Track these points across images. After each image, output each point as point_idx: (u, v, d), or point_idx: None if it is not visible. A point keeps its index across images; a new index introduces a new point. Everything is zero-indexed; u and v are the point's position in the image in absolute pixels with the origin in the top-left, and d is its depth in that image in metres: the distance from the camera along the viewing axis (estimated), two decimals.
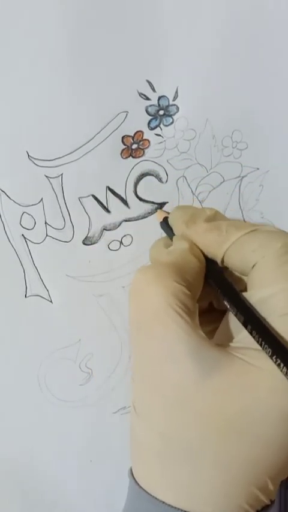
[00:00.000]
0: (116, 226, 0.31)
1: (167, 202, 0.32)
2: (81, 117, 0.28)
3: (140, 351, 0.23)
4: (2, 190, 0.28)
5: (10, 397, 0.32)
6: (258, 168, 0.32)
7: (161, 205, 0.32)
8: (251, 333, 0.22)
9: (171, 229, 0.28)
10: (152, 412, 0.23)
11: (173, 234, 0.27)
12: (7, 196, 0.29)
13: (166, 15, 0.28)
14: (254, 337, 0.22)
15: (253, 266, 0.23)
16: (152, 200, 0.31)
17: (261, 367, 0.21)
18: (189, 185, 0.31)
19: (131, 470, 0.25)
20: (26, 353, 0.32)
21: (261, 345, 0.21)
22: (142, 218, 0.31)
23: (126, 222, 0.31)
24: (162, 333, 0.22)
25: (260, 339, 0.21)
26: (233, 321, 0.24)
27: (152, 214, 0.32)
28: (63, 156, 0.29)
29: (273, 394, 0.21)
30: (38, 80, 0.27)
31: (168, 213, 0.29)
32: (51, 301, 0.31)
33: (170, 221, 0.28)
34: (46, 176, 0.29)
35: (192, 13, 0.29)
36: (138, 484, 0.24)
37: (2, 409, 0.33)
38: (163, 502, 0.23)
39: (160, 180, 0.31)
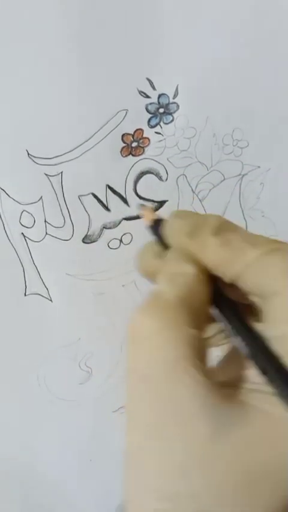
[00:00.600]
0: (116, 224, 0.31)
1: (167, 201, 0.31)
2: (81, 115, 0.28)
3: (142, 403, 0.20)
4: (2, 189, 0.28)
5: (10, 396, 0.32)
6: (259, 166, 0.32)
7: (160, 203, 0.31)
8: (266, 379, 0.19)
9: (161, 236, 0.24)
10: (157, 470, 0.20)
11: (166, 243, 0.23)
12: (7, 194, 0.29)
13: (166, 13, 0.28)
14: (271, 384, 0.19)
15: (271, 294, 0.20)
16: (152, 198, 0.31)
17: (281, 414, 0.19)
18: (189, 183, 0.31)
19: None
20: (26, 352, 0.32)
21: (280, 394, 0.19)
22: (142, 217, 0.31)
23: (126, 221, 0.31)
24: (176, 390, 0.19)
25: (279, 388, 0.19)
26: (242, 355, 0.21)
27: None
28: (63, 154, 0.29)
29: None
30: (38, 79, 0.27)
31: (157, 215, 0.25)
32: (50, 300, 0.31)
33: (168, 231, 0.23)
34: (46, 174, 0.29)
35: (192, 12, 0.29)
36: None
37: (1, 408, 0.33)
38: None
39: (160, 178, 0.31)
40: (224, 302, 0.21)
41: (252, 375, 0.20)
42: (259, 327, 0.20)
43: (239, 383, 0.21)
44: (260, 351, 0.19)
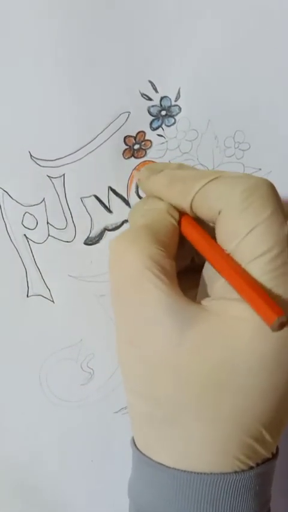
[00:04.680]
0: (118, 226, 0.31)
1: None
2: (84, 117, 0.28)
3: (121, 318, 0.24)
4: (4, 190, 0.29)
5: (11, 397, 0.33)
6: (260, 169, 0.32)
7: None
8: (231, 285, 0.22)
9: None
10: (137, 376, 0.23)
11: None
12: (9, 196, 0.29)
13: (168, 15, 0.28)
14: (231, 284, 0.21)
15: (217, 215, 0.23)
16: None
17: (238, 315, 0.21)
18: None
19: (133, 437, 0.26)
20: (28, 353, 0.32)
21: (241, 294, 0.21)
22: None
23: (128, 223, 0.31)
24: (141, 296, 0.22)
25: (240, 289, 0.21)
26: (208, 275, 0.24)
27: None
28: (65, 156, 0.29)
29: (251, 342, 0.21)
30: (41, 80, 0.27)
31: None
32: (52, 301, 0.31)
33: (138, 181, 0.28)
34: (48, 176, 0.29)
35: (194, 13, 0.29)
36: (138, 449, 0.25)
37: (3, 409, 0.33)
38: (160, 464, 0.23)
39: None
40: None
41: (217, 286, 0.23)
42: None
43: (206, 295, 0.24)
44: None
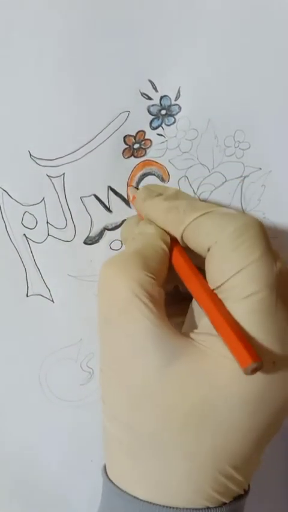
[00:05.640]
0: (118, 225, 0.31)
1: None
2: (83, 116, 0.28)
3: (107, 344, 0.23)
4: (4, 190, 0.29)
5: (11, 396, 0.33)
6: (260, 168, 0.32)
7: None
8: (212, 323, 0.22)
9: None
10: (119, 404, 0.23)
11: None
12: (9, 195, 0.29)
13: (169, 15, 0.28)
14: (213, 324, 0.21)
15: (206, 249, 0.23)
16: None
17: (223, 353, 0.21)
18: (190, 185, 0.31)
19: (104, 467, 0.25)
20: (28, 352, 0.32)
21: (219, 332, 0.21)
22: None
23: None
24: (129, 325, 0.22)
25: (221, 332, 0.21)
26: (196, 308, 0.24)
27: None
28: (65, 156, 0.29)
29: (233, 382, 0.21)
30: (40, 80, 0.27)
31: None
32: (52, 301, 0.31)
33: (133, 200, 0.28)
34: (48, 176, 0.29)
35: (194, 13, 0.29)
36: (110, 480, 0.24)
37: (3, 409, 0.33)
38: (133, 497, 0.23)
39: (162, 179, 0.31)
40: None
41: (205, 321, 0.22)
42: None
43: (194, 327, 0.24)
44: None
